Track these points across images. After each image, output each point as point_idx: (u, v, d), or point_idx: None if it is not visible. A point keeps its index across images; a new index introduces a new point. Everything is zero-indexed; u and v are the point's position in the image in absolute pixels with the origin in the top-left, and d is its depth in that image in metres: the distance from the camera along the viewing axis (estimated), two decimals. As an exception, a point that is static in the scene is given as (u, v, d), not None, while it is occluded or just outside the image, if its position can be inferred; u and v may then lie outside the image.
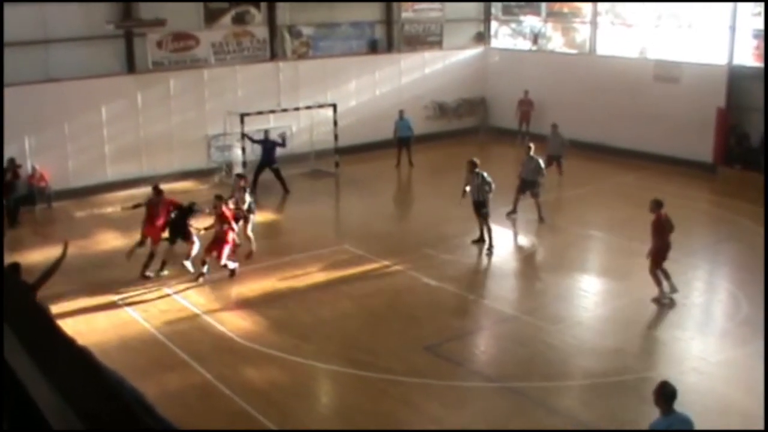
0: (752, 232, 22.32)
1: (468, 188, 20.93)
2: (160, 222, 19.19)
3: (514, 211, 23.54)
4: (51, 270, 11.08)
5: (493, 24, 37.09)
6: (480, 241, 21.12)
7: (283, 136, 28.83)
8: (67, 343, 2.67)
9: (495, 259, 21.00)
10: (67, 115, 25.82)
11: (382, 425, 12.90)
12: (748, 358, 15.24)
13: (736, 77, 28.27)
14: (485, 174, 20.84)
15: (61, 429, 1.79)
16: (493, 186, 20.82)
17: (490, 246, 20.82)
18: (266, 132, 27.55)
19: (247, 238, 20.36)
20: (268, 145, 26.95)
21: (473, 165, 21.08)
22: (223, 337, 16.02)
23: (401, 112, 30.34)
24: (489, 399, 13.96)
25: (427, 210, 24.78)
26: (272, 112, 28.63)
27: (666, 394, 10.11)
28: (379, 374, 14.37)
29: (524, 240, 22.88)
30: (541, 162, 23.67)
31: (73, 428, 1.79)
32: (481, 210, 20.90)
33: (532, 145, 23.91)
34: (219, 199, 19.06)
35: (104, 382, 1.87)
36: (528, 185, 23.39)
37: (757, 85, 27.63)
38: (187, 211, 19.42)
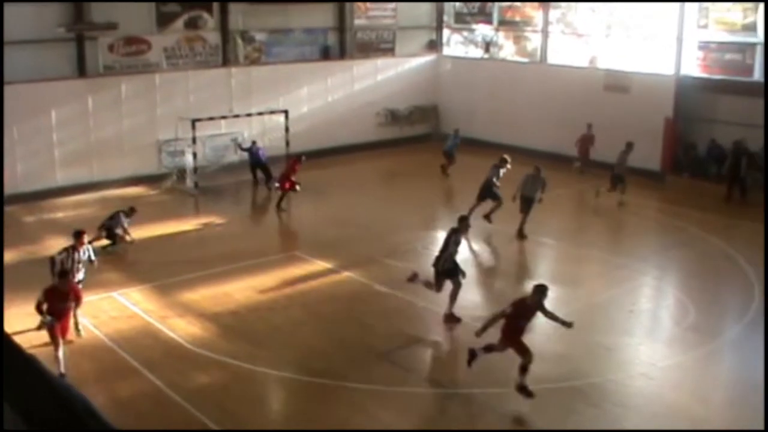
0: (700, 240, 22.70)
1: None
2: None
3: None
4: None
5: (446, 32, 37.31)
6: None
7: (236, 141, 28.86)
8: (16, 350, 2.66)
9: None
10: (16, 119, 25.48)
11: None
12: (695, 363, 15.52)
13: (683, 88, 28.72)
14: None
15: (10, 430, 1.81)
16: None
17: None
18: (254, 142, 28.54)
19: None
20: (254, 150, 28.06)
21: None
22: (174, 344, 15.90)
23: None
24: (440, 405, 14.04)
25: (379, 217, 24.81)
26: (224, 117, 28.56)
27: None
28: (332, 381, 14.35)
29: (476, 247, 22.95)
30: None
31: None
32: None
33: (539, 166, 23.40)
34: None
35: (51, 388, 1.87)
36: (528, 202, 22.81)
37: (703, 95, 28.16)
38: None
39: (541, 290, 13.91)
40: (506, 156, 24.11)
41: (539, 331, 16.82)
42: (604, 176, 26.60)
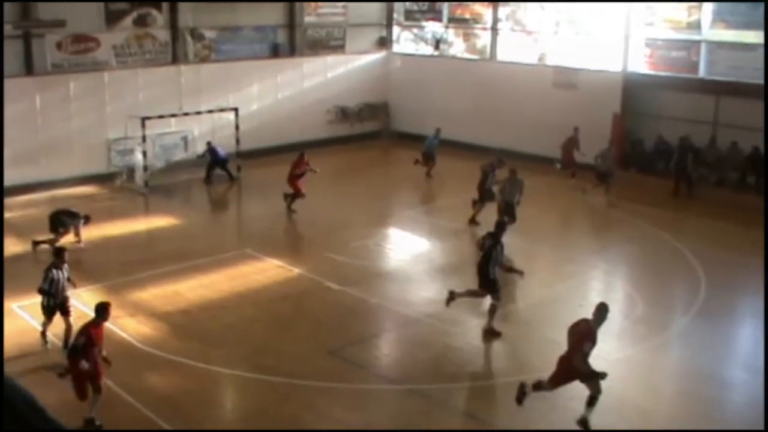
0: (647, 234, 23.02)
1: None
2: None
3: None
4: None
5: (396, 29, 37.37)
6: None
7: (185, 139, 28.72)
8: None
9: (398, 262, 21.18)
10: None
11: (287, 429, 12.96)
12: (644, 355, 15.76)
13: (630, 84, 29.08)
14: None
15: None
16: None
17: None
18: (208, 143, 28.55)
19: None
20: (214, 149, 28.31)
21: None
22: (125, 344, 15.79)
23: None
24: (393, 401, 14.08)
25: (329, 214, 24.81)
26: (174, 115, 28.39)
27: None
28: (284, 378, 14.37)
29: (427, 244, 23.06)
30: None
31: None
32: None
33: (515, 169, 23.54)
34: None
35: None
36: (509, 207, 22.79)
37: (650, 92, 28.55)
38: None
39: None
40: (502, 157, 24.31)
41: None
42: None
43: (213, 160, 28.47)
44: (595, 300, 18.49)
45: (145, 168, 26.89)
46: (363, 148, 33.85)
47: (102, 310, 13.02)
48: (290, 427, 13.03)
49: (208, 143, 28.64)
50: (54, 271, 15.34)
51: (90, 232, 21.96)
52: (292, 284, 19.21)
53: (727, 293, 18.86)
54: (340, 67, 35.18)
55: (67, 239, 20.70)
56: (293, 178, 24.77)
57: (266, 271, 20.06)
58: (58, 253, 15.93)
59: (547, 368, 14.79)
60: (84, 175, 27.68)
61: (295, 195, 24.68)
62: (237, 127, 29.14)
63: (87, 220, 21.57)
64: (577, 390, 14.20)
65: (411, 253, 22.28)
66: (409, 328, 16.97)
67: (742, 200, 25.54)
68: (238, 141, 29.16)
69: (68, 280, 15.71)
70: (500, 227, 16.73)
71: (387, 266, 21.04)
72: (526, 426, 13.07)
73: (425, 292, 18.97)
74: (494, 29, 33.74)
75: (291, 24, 33.93)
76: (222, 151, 28.53)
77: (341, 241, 21.72)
